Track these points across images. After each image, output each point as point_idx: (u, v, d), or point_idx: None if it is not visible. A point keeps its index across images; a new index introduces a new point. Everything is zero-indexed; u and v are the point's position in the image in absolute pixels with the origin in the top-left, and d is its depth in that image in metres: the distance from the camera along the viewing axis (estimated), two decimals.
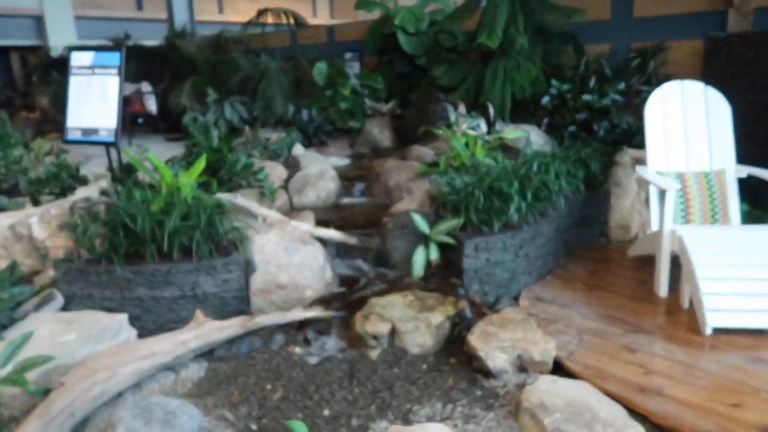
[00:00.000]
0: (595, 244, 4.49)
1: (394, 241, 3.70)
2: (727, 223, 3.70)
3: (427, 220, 3.63)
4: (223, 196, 3.67)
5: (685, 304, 3.32)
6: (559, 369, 2.85)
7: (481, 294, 3.48)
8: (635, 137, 4.80)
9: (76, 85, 3.41)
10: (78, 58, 3.40)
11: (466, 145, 4.32)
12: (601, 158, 4.43)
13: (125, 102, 8.23)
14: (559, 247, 4.10)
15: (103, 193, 3.37)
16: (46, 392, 2.46)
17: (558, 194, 3.71)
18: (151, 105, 8.28)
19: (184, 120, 4.59)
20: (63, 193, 3.89)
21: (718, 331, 2.98)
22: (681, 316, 3.25)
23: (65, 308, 3.19)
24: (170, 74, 8.85)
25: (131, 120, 8.42)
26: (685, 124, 3.92)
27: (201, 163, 3.49)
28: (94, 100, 3.38)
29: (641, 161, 4.12)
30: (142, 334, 3.16)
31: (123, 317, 3.11)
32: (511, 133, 4.61)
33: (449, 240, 3.50)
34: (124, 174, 3.59)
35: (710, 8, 5.03)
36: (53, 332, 2.89)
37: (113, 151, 3.59)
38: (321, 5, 23.23)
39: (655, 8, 5.46)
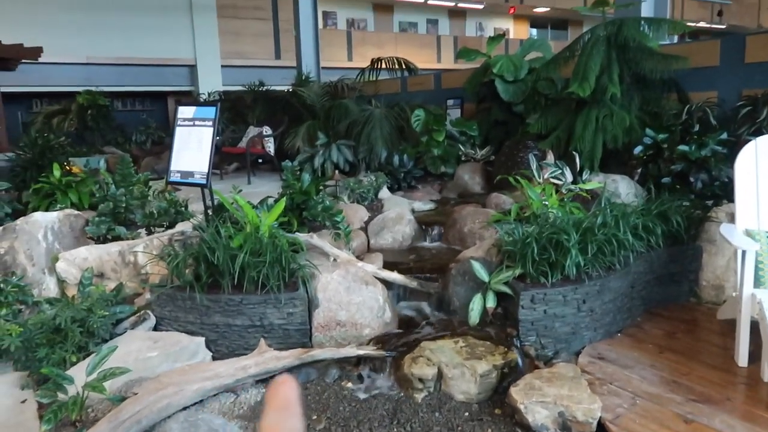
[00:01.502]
0: (683, 303, 4.20)
1: (456, 287, 3.78)
2: None
3: (489, 268, 3.67)
4: (300, 236, 3.99)
5: (765, 377, 3.04)
6: (603, 431, 2.76)
7: (537, 346, 3.43)
8: None
9: (179, 134, 3.97)
10: (183, 112, 3.97)
11: (543, 194, 4.31)
12: (689, 213, 4.19)
13: (249, 144, 9.10)
14: (636, 304, 3.92)
15: (196, 228, 3.84)
16: (122, 399, 2.85)
17: (627, 250, 3.58)
18: (270, 147, 9.03)
19: (282, 164, 5.04)
20: (171, 226, 4.46)
21: None
22: (758, 390, 2.98)
23: (156, 328, 3.64)
24: (290, 118, 9.61)
25: (253, 160, 9.25)
26: None
27: (280, 206, 3.85)
28: (192, 147, 3.91)
29: None
30: (217, 357, 3.51)
31: (200, 340, 3.49)
32: (590, 183, 4.51)
33: (507, 290, 3.51)
34: (215, 212, 4.05)
35: None
36: (140, 348, 3.33)
37: (207, 192, 4.07)
38: (445, 50, 23.94)
39: None
